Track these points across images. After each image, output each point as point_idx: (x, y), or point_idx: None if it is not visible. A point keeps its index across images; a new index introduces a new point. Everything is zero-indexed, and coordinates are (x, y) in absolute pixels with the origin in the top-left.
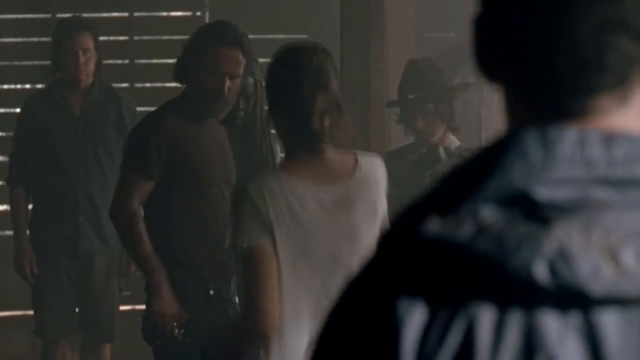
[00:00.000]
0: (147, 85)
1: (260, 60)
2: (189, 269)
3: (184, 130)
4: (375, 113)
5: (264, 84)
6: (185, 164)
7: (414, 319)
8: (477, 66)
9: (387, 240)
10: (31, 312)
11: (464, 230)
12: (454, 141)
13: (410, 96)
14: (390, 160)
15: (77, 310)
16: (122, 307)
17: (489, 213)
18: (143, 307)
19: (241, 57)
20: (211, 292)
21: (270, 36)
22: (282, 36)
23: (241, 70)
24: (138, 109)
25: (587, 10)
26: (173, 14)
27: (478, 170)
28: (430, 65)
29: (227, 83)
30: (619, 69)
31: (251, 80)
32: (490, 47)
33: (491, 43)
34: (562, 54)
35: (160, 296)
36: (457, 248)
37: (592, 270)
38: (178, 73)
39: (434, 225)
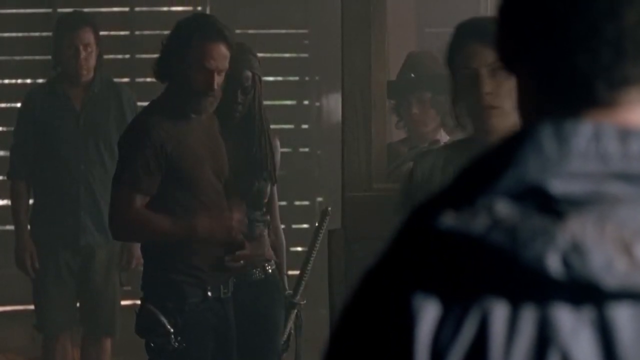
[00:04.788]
0: (148, 80)
1: (259, 54)
2: (185, 271)
3: (172, 133)
4: (377, 106)
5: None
6: (176, 167)
7: (429, 312)
8: (499, 53)
9: (403, 233)
10: (32, 306)
11: (479, 223)
12: (445, 138)
13: (412, 75)
14: (393, 152)
15: (78, 304)
16: (123, 302)
17: (503, 206)
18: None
19: (226, 50)
20: (209, 293)
21: (271, 31)
22: (282, 31)
23: (226, 64)
24: (139, 103)
25: (634, 0)
26: (174, 8)
27: (494, 164)
28: (430, 57)
29: (216, 78)
30: None
31: (249, 74)
32: (518, 33)
33: (519, 29)
34: (607, 42)
35: (213, 234)
36: (471, 241)
37: (606, 263)
38: (160, 72)
39: (449, 219)
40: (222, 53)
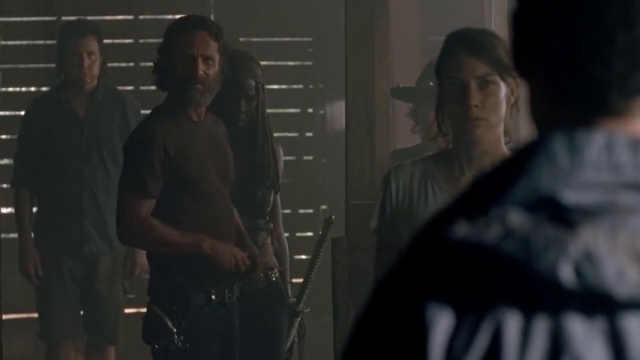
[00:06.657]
0: (152, 87)
1: (264, 63)
2: (189, 275)
3: (176, 137)
4: (380, 113)
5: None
6: (181, 171)
7: (442, 322)
8: (514, 61)
9: (416, 243)
10: (35, 314)
11: (492, 233)
12: None
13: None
14: (397, 160)
15: (81, 312)
16: (126, 310)
17: (516, 216)
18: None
19: (209, 38)
20: (213, 297)
21: (275, 39)
22: (286, 39)
23: (213, 52)
24: (143, 111)
25: None
26: (178, 17)
27: (506, 174)
28: None
29: (200, 64)
30: None
31: (253, 83)
32: (530, 41)
33: (532, 37)
34: (620, 52)
35: (217, 255)
36: (484, 251)
37: (618, 272)
38: (157, 79)
39: (462, 229)
40: (204, 39)
